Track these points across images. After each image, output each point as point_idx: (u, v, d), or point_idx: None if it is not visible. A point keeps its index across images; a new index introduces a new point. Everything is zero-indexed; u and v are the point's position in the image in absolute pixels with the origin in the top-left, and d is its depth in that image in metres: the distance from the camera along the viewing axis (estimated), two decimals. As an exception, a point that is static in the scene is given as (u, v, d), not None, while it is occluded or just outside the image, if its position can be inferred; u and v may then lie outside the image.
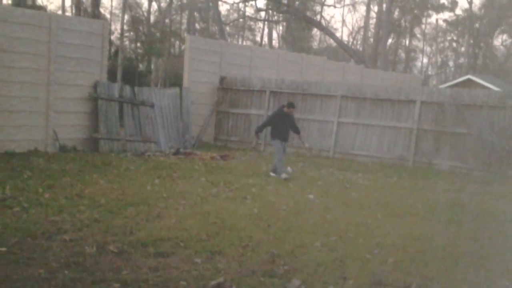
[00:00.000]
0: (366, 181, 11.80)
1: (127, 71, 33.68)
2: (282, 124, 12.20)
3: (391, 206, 9.19)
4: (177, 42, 41.12)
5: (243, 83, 18.28)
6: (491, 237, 7.31)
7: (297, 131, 12.67)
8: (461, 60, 57.62)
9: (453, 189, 11.33)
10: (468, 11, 53.10)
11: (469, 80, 29.91)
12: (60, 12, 40.96)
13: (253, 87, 18.01)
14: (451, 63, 60.52)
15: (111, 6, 44.74)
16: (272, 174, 11.98)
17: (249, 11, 52.31)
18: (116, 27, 42.77)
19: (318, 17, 43.42)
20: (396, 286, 5.34)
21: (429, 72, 59.85)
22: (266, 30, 52.23)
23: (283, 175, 11.64)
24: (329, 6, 51.51)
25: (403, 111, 15.34)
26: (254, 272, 5.50)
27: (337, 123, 16.36)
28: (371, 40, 48.09)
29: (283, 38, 50.92)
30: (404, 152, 15.20)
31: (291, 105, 12.30)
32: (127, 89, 15.30)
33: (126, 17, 39.76)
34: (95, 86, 14.41)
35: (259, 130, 12.54)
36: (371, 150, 15.79)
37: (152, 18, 43.87)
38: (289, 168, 12.86)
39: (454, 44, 59.11)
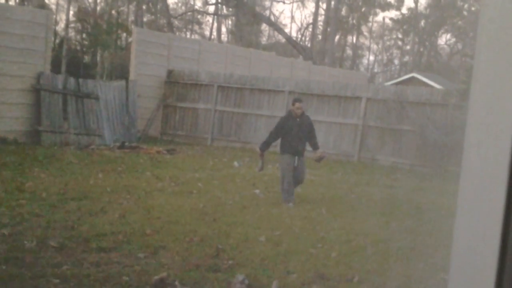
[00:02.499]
0: (312, 176, 11.91)
1: (72, 63, 32.93)
2: (292, 132, 8.96)
3: (336, 201, 9.31)
4: (124, 34, 40.48)
5: (190, 77, 18.16)
6: (430, 232, 7.49)
7: (314, 144, 9.35)
8: (406, 58, 58.84)
9: (396, 185, 11.58)
10: (414, 10, 54.28)
11: (413, 78, 30.59)
12: (3, 1, 39.71)
13: (201, 81, 17.92)
14: (396, 61, 61.74)
15: (57, -5, 43.66)
16: (290, 204, 8.66)
17: (198, 5, 52.00)
18: (61, 17, 41.78)
19: (267, 12, 43.57)
20: (339, 280, 5.41)
21: (375, 70, 60.88)
22: (215, 24, 52.01)
23: (289, 203, 8.64)
24: (278, 1, 51.70)
25: (349, 108, 15.55)
26: (198, 267, 5.47)
27: (284, 119, 16.44)
28: (319, 37, 48.58)
29: (232, 32, 50.86)
30: (350, 148, 15.42)
31: (296, 100, 9.33)
32: (72, 81, 14.96)
33: (72, 7, 38.88)
34: (38, 78, 14.03)
35: (264, 147, 9.31)
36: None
37: (98, 9, 43.03)
38: (235, 163, 12.85)
39: (400, 42, 60.32)
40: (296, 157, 8.95)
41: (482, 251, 1.44)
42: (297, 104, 9.10)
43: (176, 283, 4.91)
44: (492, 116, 1.40)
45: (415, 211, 8.92)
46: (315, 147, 9.37)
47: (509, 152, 1.32)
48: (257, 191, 9.70)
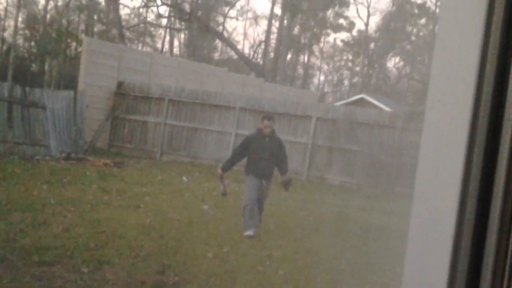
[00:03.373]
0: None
1: (19, 71, 32.12)
2: (259, 153, 8.06)
3: (284, 219, 9.33)
4: (74, 44, 39.81)
5: (141, 89, 17.97)
6: (377, 250, 7.59)
7: (282, 168, 8.26)
8: (356, 79, 59.94)
9: (343, 204, 11.70)
10: (364, 33, 55.46)
11: (362, 99, 31.12)
12: None
13: (151, 94, 17.74)
14: (346, 82, 62.78)
15: (6, 1, 42.68)
16: (250, 233, 7.60)
17: (151, 17, 51.69)
18: (9, 24, 40.80)
19: (220, 28, 43.67)
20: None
21: (325, 89, 61.72)
22: (167, 37, 51.78)
23: (248, 231, 7.59)
24: (231, 18, 51.98)
25: (299, 126, 15.68)
26: (144, 283, 5.37)
27: (234, 135, 16.44)
28: (272, 54, 48.96)
29: (184, 46, 50.71)
30: (299, 166, 15.52)
31: (265, 118, 8.35)
32: (18, 89, 14.57)
33: (21, 14, 38.02)
34: (-18, 84, 13.62)
35: (227, 167, 8.38)
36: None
37: (48, 17, 42.24)
38: (184, 178, 12.74)
39: (350, 64, 61.43)
40: (263, 180, 8.05)
41: (432, 269, 1.46)
42: (265, 122, 8.17)
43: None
44: (445, 138, 1.43)
45: (362, 230, 9.02)
46: (282, 171, 8.24)
47: (461, 172, 1.34)
48: (205, 207, 9.63)
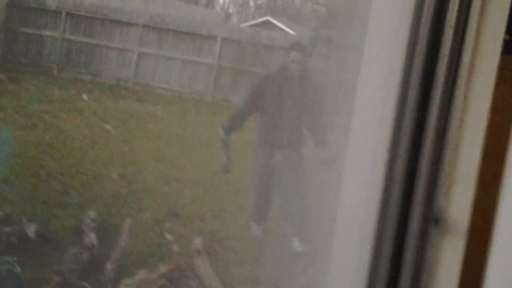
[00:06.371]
0: (165, 114, 11.79)
1: None
2: (280, 106, 5.15)
3: (189, 140, 9.29)
4: None
5: (36, 0, 16.87)
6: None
7: (317, 134, 5.16)
8: (261, 0, 59.39)
9: (249, 127, 11.79)
10: (270, -46, 54.60)
11: (268, 21, 30.98)
12: None
13: (47, 6, 16.71)
14: (251, 3, 62.13)
15: None
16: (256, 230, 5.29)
17: None
18: None
19: None
20: (192, 218, 5.45)
21: (230, 10, 60.85)
22: None
23: (253, 229, 5.29)
24: None
25: (205, 47, 15.43)
26: (46, 203, 5.22)
27: (137, 53, 15.95)
28: (175, -29, 47.31)
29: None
30: (204, 87, 15.39)
31: (294, 47, 5.34)
32: None
33: None
34: None
35: (231, 127, 5.65)
36: (171, 83, 15.72)
37: None
38: (84, 96, 12.31)
39: (255, -15, 60.63)
40: (278, 151, 5.12)
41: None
42: (294, 55, 5.13)
43: (23, 220, 4.63)
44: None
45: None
46: (318, 141, 5.12)
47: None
48: (108, 126, 9.38)
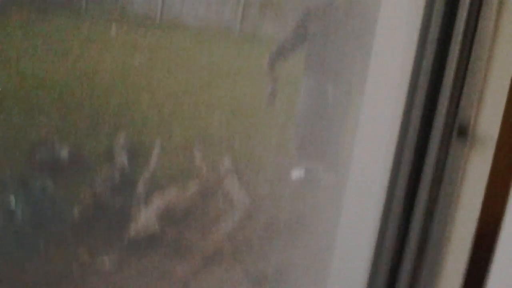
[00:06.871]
0: (193, 45, 11.71)
1: None
2: (324, 37, 4.84)
3: (218, 70, 9.24)
4: None
5: None
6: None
7: None
8: None
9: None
10: None
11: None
12: None
13: None
14: None
15: None
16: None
17: None
18: None
19: None
20: (222, 142, 5.50)
21: None
22: None
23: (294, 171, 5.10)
24: None
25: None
26: (78, 130, 5.30)
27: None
28: None
29: None
30: (232, 19, 15.19)
31: None
32: None
33: None
34: None
35: (276, 56, 5.25)
36: (199, 15, 15.55)
37: None
38: (113, 28, 12.24)
39: None
40: (328, 85, 4.82)
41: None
42: None
43: (56, 143, 4.73)
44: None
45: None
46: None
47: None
48: (137, 57, 9.37)
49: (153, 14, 15.79)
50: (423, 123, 1.57)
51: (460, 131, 1.53)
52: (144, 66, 8.73)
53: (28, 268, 3.69)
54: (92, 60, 8.77)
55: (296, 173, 5.14)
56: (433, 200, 1.57)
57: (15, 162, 4.66)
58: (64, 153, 4.66)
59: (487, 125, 1.51)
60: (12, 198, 3.86)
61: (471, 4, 1.48)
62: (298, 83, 5.38)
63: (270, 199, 4.35)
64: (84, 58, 8.88)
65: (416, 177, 1.59)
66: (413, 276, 1.64)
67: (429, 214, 1.58)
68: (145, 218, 3.93)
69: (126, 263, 3.83)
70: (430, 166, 1.55)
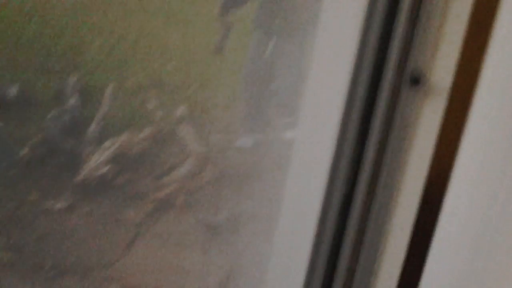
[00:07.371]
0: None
1: None
2: None
3: (175, 13, 9.05)
4: None
5: None
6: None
7: None
8: None
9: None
10: None
11: None
12: None
13: None
14: None
15: None
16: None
17: None
18: None
19: None
20: (177, 86, 5.43)
21: None
22: None
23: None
24: None
25: None
26: (28, 67, 5.13)
27: None
28: None
29: None
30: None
31: None
32: None
33: None
34: None
35: (228, 3, 5.07)
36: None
37: None
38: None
39: None
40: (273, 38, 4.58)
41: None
42: None
43: (4, 81, 4.57)
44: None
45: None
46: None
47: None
48: (90, -4, 9.07)
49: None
50: (374, 72, 1.57)
51: (413, 80, 1.54)
52: (96, 7, 8.46)
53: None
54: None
55: (243, 140, 5.02)
56: (382, 148, 1.59)
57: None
58: (13, 90, 4.51)
59: (441, 74, 1.52)
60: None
61: None
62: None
63: (225, 149, 4.34)
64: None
65: (366, 127, 1.60)
66: (362, 219, 1.68)
67: (378, 164, 1.60)
68: (96, 161, 3.88)
69: (76, 205, 3.79)
70: (380, 115, 1.56)
